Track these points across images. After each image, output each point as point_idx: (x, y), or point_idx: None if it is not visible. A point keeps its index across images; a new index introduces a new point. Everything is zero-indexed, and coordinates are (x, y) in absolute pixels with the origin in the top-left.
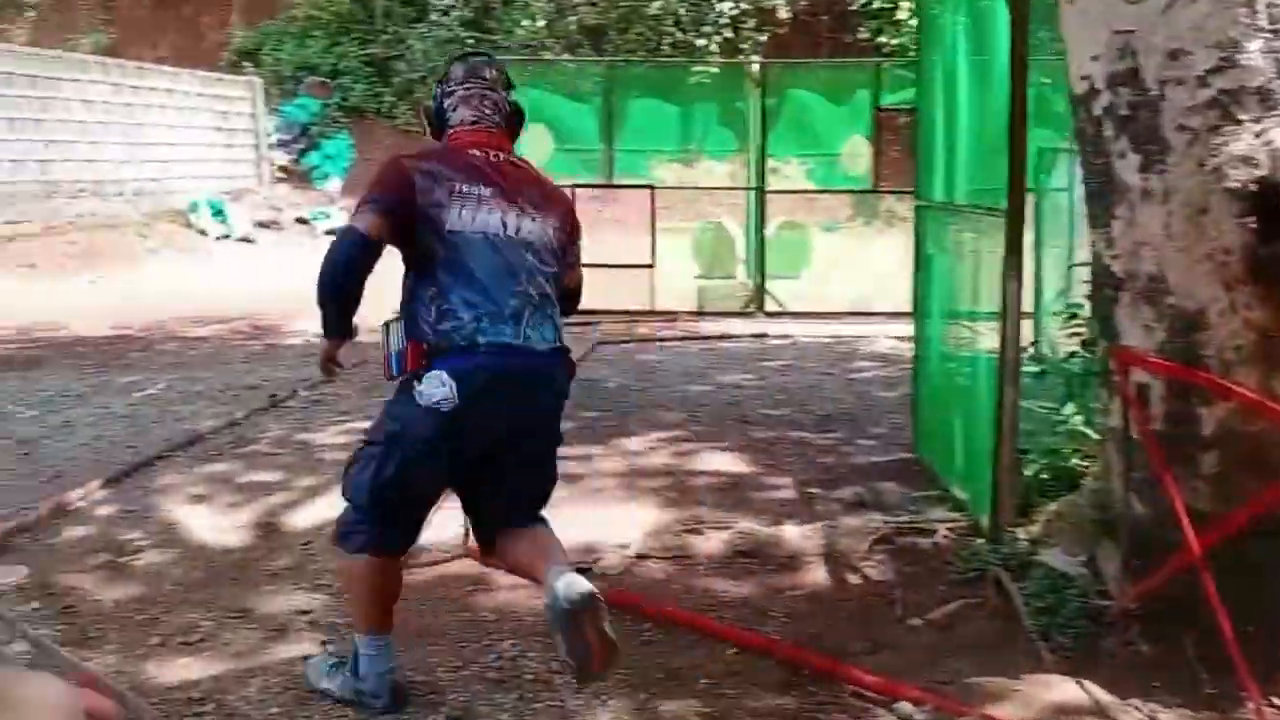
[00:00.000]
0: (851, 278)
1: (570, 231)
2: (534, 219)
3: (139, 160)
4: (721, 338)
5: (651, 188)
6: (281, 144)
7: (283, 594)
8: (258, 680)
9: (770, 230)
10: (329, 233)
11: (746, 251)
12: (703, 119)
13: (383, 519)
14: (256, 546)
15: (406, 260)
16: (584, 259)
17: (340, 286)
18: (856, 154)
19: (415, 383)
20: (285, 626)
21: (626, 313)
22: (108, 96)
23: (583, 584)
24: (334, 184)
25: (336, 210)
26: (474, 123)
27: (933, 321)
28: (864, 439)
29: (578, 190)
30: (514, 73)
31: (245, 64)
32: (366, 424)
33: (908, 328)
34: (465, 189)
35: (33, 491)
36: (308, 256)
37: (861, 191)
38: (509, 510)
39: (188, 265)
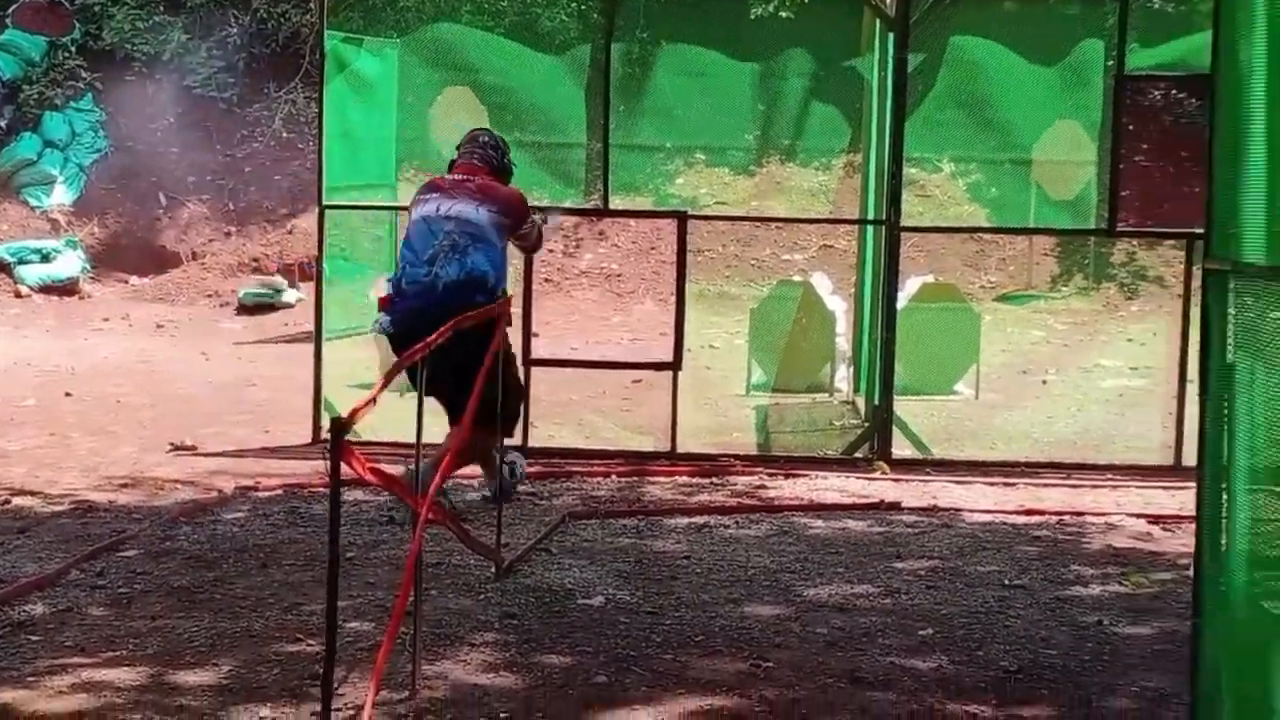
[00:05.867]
0: (1059, 399)
1: (508, 213)
2: (464, 203)
3: None
4: (809, 509)
5: (681, 216)
6: None
7: None
8: None
9: (903, 301)
10: (51, 289)
11: (857, 344)
12: (779, 90)
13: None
14: None
15: None
16: (544, 352)
17: None
18: (1069, 160)
19: None
20: None
21: (623, 457)
22: None
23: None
24: (60, 196)
25: (64, 247)
26: (463, 161)
27: (1238, 490)
28: None
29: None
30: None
31: None
32: (117, 671)
33: (1177, 498)
34: (423, 198)
35: None
36: (8, 338)
37: (1081, 232)
38: (449, 408)
39: None
